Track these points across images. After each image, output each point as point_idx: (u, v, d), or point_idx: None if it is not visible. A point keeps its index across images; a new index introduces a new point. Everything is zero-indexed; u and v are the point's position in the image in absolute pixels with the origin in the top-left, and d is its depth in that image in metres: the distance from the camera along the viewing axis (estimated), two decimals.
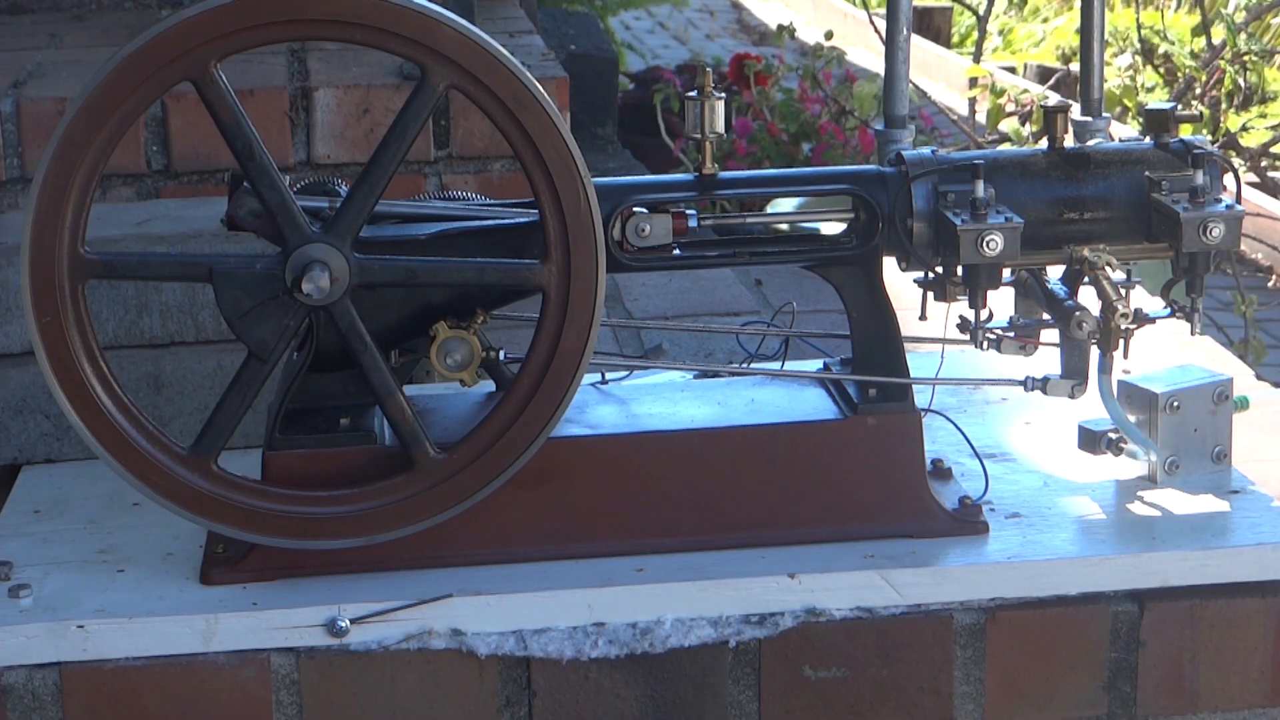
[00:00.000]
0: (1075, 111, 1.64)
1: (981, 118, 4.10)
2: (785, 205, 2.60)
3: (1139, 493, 1.63)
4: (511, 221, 1.53)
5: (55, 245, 1.42)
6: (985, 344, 1.60)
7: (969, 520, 1.56)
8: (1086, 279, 1.58)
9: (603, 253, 1.45)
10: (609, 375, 1.69)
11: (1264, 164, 4.49)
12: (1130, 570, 1.52)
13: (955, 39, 6.93)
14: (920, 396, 1.60)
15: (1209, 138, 3.44)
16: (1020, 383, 1.61)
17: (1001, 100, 3.90)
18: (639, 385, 1.69)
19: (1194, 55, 4.46)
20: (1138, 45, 4.55)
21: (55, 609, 1.47)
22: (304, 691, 1.46)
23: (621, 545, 1.53)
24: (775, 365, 1.72)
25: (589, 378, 1.66)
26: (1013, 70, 5.52)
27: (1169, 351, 1.93)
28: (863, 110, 3.59)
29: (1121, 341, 1.56)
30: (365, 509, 1.48)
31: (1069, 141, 1.59)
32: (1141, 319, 1.57)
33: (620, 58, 3.90)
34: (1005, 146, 3.43)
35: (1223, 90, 4.46)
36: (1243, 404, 1.82)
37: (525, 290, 1.48)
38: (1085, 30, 1.65)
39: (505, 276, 1.47)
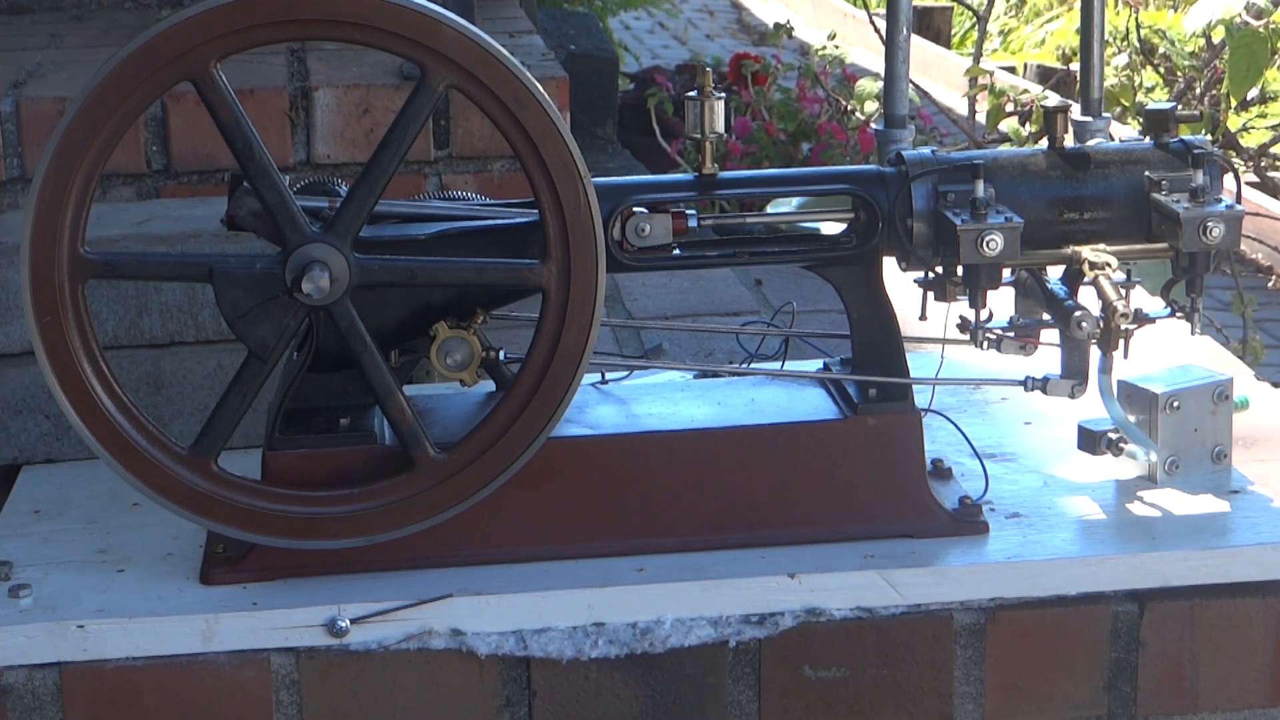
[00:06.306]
0: (1075, 111, 1.64)
1: (981, 118, 4.10)
2: (785, 205, 2.60)
3: (1139, 493, 1.63)
4: (511, 221, 1.53)
5: (55, 245, 1.42)
6: (985, 344, 1.60)
7: (969, 520, 1.56)
8: (1086, 279, 1.58)
9: (603, 253, 1.45)
10: (609, 375, 1.69)
11: (1264, 164, 4.49)
12: (1130, 570, 1.52)
13: (955, 39, 6.94)
14: (920, 396, 1.60)
15: (1209, 138, 3.44)
16: (1020, 383, 1.61)
17: (1001, 100, 3.90)
18: (639, 385, 1.69)
19: (1193, 55, 4.46)
20: (1136, 45, 4.55)
21: (55, 609, 1.47)
22: (304, 691, 1.46)
23: (621, 545, 1.53)
24: (775, 365, 1.72)
25: (589, 378, 1.66)
26: (1013, 70, 5.52)
27: (1169, 351, 1.93)
28: (863, 110, 3.58)
29: (1121, 341, 1.56)
30: (365, 509, 1.48)
31: (1069, 141, 1.59)
32: (1141, 319, 1.57)
33: (619, 57, 3.90)
34: (1005, 146, 3.43)
35: (1222, 90, 4.46)
36: (1243, 404, 1.82)
37: (525, 290, 1.48)
38: (1085, 30, 1.65)
39: (505, 276, 1.47)
